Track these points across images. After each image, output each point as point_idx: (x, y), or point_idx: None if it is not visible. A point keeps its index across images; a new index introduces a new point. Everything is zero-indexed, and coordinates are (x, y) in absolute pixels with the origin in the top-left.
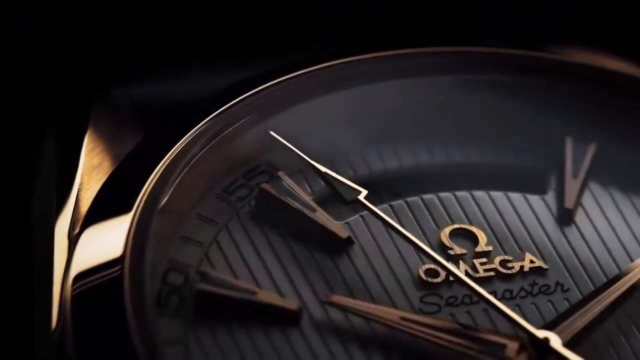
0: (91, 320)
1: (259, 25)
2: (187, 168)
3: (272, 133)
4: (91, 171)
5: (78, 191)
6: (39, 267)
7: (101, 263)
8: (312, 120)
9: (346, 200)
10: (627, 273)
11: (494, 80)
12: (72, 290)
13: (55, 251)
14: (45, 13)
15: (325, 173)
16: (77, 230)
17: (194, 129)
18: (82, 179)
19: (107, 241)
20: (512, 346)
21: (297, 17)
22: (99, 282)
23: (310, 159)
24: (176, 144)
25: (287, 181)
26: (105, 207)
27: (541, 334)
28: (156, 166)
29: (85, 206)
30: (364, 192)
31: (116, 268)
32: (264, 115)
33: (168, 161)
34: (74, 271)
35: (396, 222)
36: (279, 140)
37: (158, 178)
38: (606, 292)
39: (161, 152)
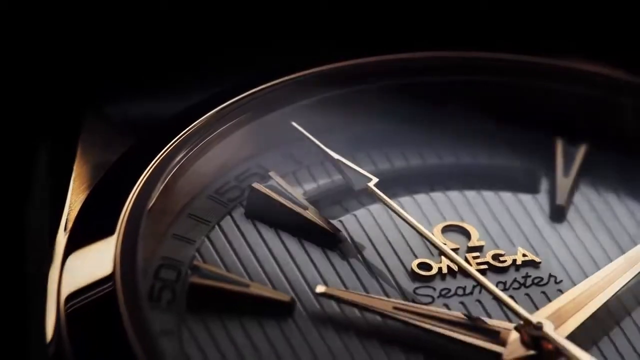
0: (86, 330)
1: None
2: (174, 170)
3: (294, 124)
4: (82, 177)
5: (70, 201)
6: (33, 277)
7: (93, 270)
8: (302, 122)
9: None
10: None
11: (487, 82)
12: (66, 304)
13: (49, 261)
14: (39, 25)
15: (338, 160)
16: (68, 235)
17: (183, 132)
18: (73, 185)
19: (99, 246)
20: (505, 332)
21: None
22: (92, 292)
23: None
24: (164, 147)
25: (279, 180)
26: (95, 214)
27: (535, 319)
28: (144, 170)
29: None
30: (375, 179)
31: (109, 283)
32: (255, 117)
33: (155, 164)
34: (67, 283)
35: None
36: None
37: (145, 181)
38: (599, 281)
39: (149, 157)
